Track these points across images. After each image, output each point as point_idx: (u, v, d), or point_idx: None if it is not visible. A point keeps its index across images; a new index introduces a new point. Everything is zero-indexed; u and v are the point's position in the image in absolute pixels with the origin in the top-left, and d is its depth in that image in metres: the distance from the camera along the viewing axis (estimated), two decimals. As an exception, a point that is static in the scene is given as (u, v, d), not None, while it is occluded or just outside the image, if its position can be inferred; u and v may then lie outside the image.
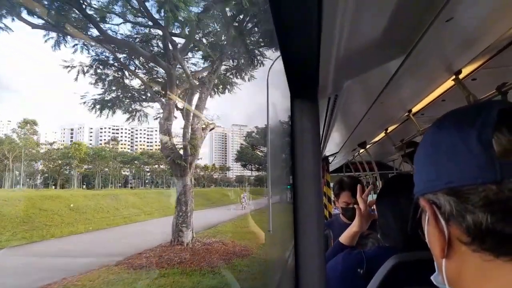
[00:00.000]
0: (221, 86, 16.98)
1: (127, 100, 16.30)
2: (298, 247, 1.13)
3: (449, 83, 1.60)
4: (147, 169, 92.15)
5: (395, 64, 1.18)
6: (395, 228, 1.15)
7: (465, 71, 1.47)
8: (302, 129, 1.10)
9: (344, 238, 1.66)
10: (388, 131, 2.99)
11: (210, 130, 15.65)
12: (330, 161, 5.50)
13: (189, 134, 14.11)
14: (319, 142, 1.24)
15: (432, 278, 0.53)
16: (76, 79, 14.60)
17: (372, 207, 1.62)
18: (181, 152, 13.54)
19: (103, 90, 15.49)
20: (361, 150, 4.20)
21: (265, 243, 16.04)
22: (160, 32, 14.09)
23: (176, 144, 13.94)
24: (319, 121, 1.15)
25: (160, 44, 14.67)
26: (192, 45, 14.78)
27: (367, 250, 1.25)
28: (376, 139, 3.57)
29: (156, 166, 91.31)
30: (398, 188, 1.18)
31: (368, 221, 1.66)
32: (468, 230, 0.42)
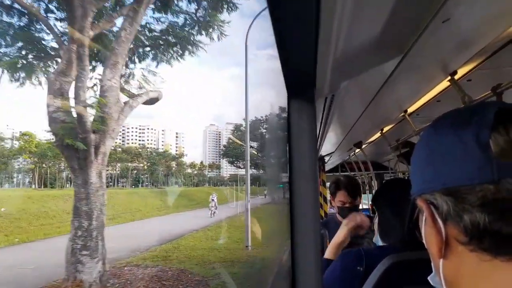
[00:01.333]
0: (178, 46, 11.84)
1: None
2: (295, 246, 1.14)
3: (445, 83, 1.61)
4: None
5: (392, 65, 1.19)
6: (396, 227, 1.15)
7: (461, 72, 1.48)
8: (299, 129, 1.10)
9: (328, 252, 1.65)
10: (383, 131, 3.00)
11: (151, 100, 9.88)
12: (326, 160, 5.51)
13: (93, 95, 8.63)
14: (316, 142, 1.25)
15: (429, 278, 0.53)
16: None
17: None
18: (79, 125, 7.75)
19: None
20: (357, 150, 4.22)
21: (243, 264, 11.04)
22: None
23: (69, 113, 7.92)
24: (316, 121, 1.15)
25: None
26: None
27: (366, 248, 1.26)
28: (372, 139, 3.58)
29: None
30: (397, 187, 1.20)
31: (353, 232, 1.68)
32: (466, 230, 0.42)
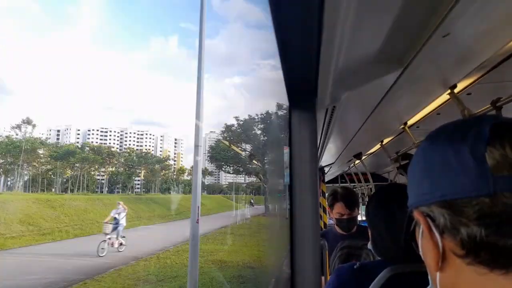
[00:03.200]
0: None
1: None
2: (294, 256, 1.13)
3: (445, 97, 1.63)
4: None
5: (392, 77, 1.20)
6: (389, 240, 1.14)
7: (460, 86, 1.50)
8: (300, 138, 1.11)
9: None
10: (383, 143, 3.01)
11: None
12: (325, 171, 5.51)
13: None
14: (317, 152, 1.25)
15: None
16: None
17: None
18: None
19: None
20: (357, 161, 4.22)
21: None
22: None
23: None
24: (316, 131, 1.16)
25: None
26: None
27: (361, 261, 1.25)
28: (372, 150, 3.59)
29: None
30: (389, 198, 1.17)
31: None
32: (463, 243, 0.42)
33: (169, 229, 24.63)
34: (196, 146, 8.51)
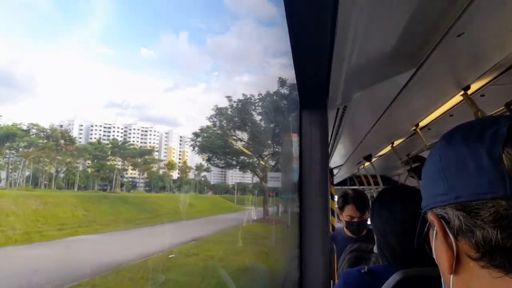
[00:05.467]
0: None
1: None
2: (303, 257, 1.13)
3: (458, 98, 1.61)
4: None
5: (405, 78, 1.19)
6: (394, 242, 1.11)
7: (474, 87, 1.48)
8: (311, 139, 1.11)
9: None
10: (394, 145, 2.98)
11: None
12: (334, 173, 5.48)
13: None
14: (327, 152, 1.25)
15: None
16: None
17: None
18: None
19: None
20: (366, 164, 4.19)
21: None
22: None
23: None
24: (327, 130, 1.16)
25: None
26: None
27: (370, 266, 1.23)
28: (382, 152, 3.56)
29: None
30: (392, 199, 1.14)
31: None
32: (477, 245, 0.42)
33: (122, 240, 17.92)
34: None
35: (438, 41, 0.94)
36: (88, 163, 71.64)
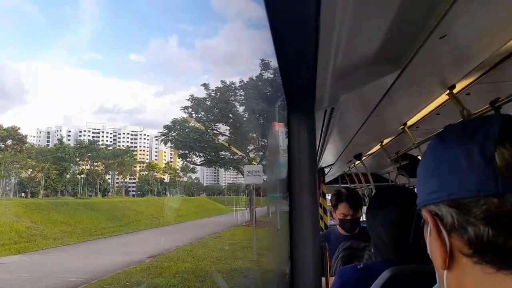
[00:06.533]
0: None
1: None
2: (294, 256, 1.14)
3: (444, 97, 1.63)
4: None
5: (390, 79, 1.20)
6: (388, 241, 1.14)
7: (459, 86, 1.50)
8: (299, 141, 1.12)
9: None
10: (383, 144, 3.01)
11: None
12: (326, 172, 5.51)
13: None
14: (315, 153, 1.26)
15: None
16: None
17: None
18: None
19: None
20: (357, 162, 4.22)
21: None
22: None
23: None
24: (315, 133, 1.16)
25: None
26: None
27: (365, 262, 1.25)
28: (372, 151, 3.59)
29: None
30: (385, 200, 1.18)
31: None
32: (470, 242, 0.42)
33: (59, 258, 14.40)
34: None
35: (422, 43, 0.95)
36: (46, 166, 60.30)
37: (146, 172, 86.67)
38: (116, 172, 79.11)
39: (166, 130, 35.59)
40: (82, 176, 71.28)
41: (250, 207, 29.23)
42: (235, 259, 13.66)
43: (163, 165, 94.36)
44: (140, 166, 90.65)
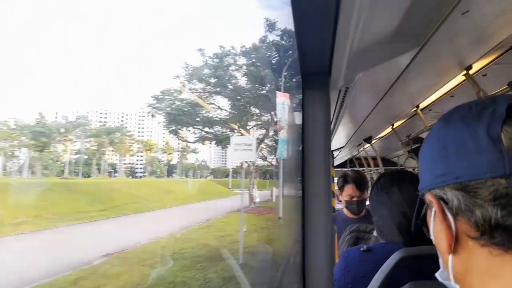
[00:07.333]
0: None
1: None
2: (306, 239, 1.15)
3: (459, 78, 1.60)
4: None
5: (408, 57, 1.19)
6: (391, 225, 1.15)
7: (476, 67, 1.47)
8: (314, 120, 1.11)
9: None
10: (394, 126, 2.99)
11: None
12: (335, 155, 5.51)
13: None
14: (330, 133, 1.25)
15: (437, 275, 0.53)
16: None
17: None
18: None
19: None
20: (366, 145, 4.21)
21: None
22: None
23: None
24: (329, 112, 1.16)
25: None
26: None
27: (370, 245, 1.26)
28: (382, 134, 3.57)
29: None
30: (390, 184, 1.19)
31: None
32: (477, 224, 0.42)
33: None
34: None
35: (443, 18, 0.93)
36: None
37: (145, 153, 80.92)
38: (112, 151, 71.52)
39: (155, 101, 29.37)
40: (77, 155, 63.88)
41: (250, 191, 24.78)
42: (214, 263, 9.53)
43: (163, 145, 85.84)
44: (139, 146, 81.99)
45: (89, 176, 62.45)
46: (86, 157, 66.96)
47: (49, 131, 53.73)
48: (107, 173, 70.91)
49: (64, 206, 20.42)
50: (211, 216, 19.11)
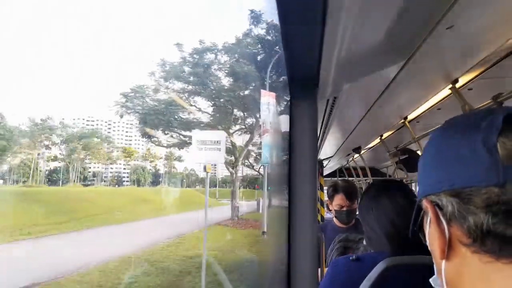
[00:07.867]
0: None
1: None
2: (292, 247, 1.14)
3: (446, 91, 1.63)
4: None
5: (395, 70, 1.20)
6: (380, 233, 1.15)
7: (462, 81, 1.50)
8: (301, 129, 1.11)
9: None
10: (383, 137, 3.01)
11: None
12: (324, 165, 5.53)
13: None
14: (317, 143, 1.26)
15: (431, 280, 0.54)
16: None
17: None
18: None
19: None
20: (356, 155, 4.23)
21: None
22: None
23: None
24: (317, 121, 1.16)
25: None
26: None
27: (358, 254, 1.26)
28: (371, 144, 3.60)
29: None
30: (378, 193, 1.19)
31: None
32: (469, 231, 0.43)
33: None
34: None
35: (428, 33, 0.94)
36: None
37: (125, 160, 75.61)
38: (88, 157, 65.09)
39: (124, 99, 24.33)
40: (46, 161, 59.37)
41: (232, 202, 22.84)
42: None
43: (144, 152, 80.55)
44: (120, 153, 76.89)
45: (58, 185, 58.57)
46: (57, 163, 63.03)
47: (9, 134, 47.93)
48: (81, 182, 64.77)
49: (16, 218, 16.95)
50: (187, 230, 16.81)
